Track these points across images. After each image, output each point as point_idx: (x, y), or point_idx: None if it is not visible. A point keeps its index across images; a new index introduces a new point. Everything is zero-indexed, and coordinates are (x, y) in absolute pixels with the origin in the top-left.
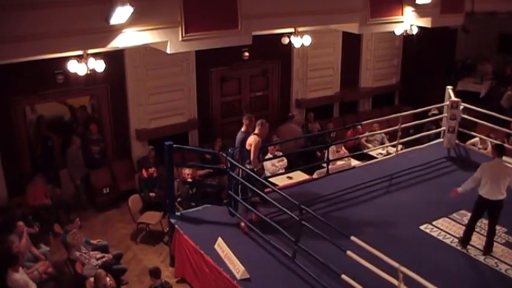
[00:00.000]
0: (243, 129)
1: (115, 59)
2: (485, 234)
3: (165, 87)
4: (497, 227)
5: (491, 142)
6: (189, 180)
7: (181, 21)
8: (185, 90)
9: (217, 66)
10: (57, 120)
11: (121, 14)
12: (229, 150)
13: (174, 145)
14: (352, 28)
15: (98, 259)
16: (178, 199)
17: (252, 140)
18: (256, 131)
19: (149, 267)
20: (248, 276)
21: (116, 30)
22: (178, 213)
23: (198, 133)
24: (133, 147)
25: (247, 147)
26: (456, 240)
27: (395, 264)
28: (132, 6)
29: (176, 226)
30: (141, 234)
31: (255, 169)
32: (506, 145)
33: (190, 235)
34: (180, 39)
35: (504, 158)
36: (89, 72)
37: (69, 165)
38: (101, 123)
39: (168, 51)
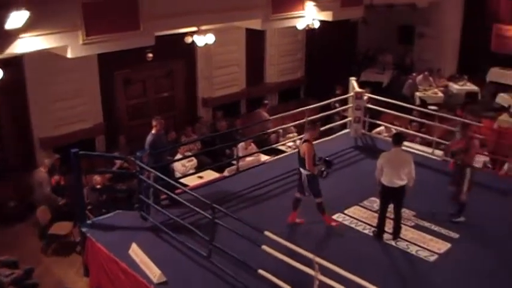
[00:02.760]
0: (153, 131)
1: (13, 65)
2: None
3: (68, 93)
4: (407, 211)
5: (395, 129)
6: (98, 187)
7: (81, 24)
8: (89, 95)
9: (121, 69)
10: None
11: (16, 19)
12: (137, 154)
13: (81, 152)
14: (255, 24)
15: (7, 276)
16: (89, 207)
17: (305, 147)
18: (307, 137)
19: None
20: (165, 279)
21: (11, 36)
22: (89, 222)
23: (105, 138)
24: (38, 156)
25: (302, 155)
26: (368, 227)
27: (310, 256)
28: (28, 10)
29: (88, 235)
30: (52, 246)
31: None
32: (409, 131)
33: (103, 243)
34: (81, 42)
35: (407, 143)
36: None
37: None
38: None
39: (69, 55)
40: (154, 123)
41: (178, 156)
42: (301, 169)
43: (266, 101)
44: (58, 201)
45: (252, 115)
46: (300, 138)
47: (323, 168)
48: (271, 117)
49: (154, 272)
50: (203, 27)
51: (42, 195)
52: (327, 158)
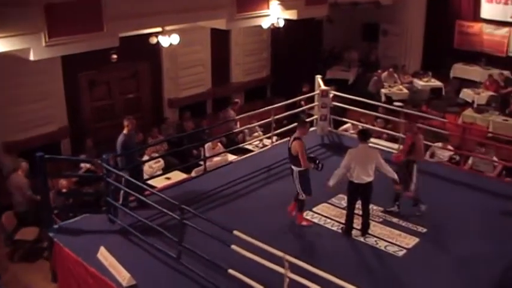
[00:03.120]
0: (124, 131)
1: None
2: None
3: (31, 96)
4: (375, 207)
5: (362, 126)
6: (64, 190)
7: (44, 26)
8: (53, 97)
9: (86, 71)
10: None
11: None
12: (104, 156)
13: (46, 156)
14: (220, 24)
15: None
16: (55, 211)
17: (297, 145)
18: (297, 135)
19: (31, 285)
20: (134, 282)
21: None
22: (56, 226)
23: (71, 141)
24: (3, 161)
25: (294, 153)
26: (337, 224)
27: (280, 254)
28: None
29: (55, 240)
30: (19, 252)
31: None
32: (375, 127)
33: (71, 247)
34: (44, 45)
35: (374, 140)
36: None
37: None
38: None
39: (32, 58)
40: (126, 123)
41: (145, 157)
42: (293, 166)
43: (236, 100)
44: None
45: (221, 114)
46: (268, 137)
47: (317, 161)
48: (237, 117)
49: (123, 275)
50: (168, 28)
51: (23, 199)
52: (311, 155)
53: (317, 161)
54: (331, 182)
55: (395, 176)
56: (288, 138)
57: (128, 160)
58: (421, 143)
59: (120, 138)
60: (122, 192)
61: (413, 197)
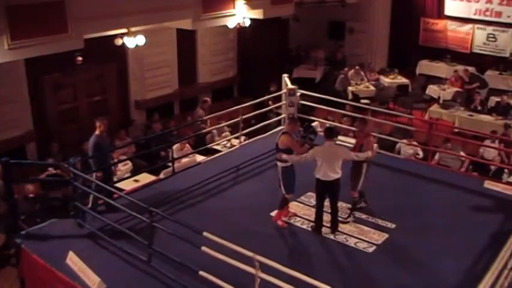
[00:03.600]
0: (96, 132)
1: None
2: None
3: None
4: (343, 205)
5: (329, 125)
6: (31, 195)
7: (6, 28)
8: (17, 101)
9: (50, 73)
10: None
11: None
12: (70, 160)
13: (11, 160)
14: (186, 24)
15: None
16: (22, 217)
17: (285, 140)
18: (286, 129)
19: None
20: (105, 286)
21: None
22: (23, 232)
23: (37, 145)
24: None
25: (282, 147)
26: (307, 222)
27: (250, 254)
28: None
29: (23, 246)
30: None
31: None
32: (342, 125)
33: (39, 253)
34: (6, 47)
35: (340, 137)
36: None
37: None
38: None
39: None
40: (97, 123)
41: (114, 160)
42: (278, 162)
43: (206, 98)
44: None
45: (189, 117)
46: (236, 137)
47: (311, 136)
48: (206, 117)
49: (93, 280)
50: (133, 29)
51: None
52: (309, 129)
53: (311, 137)
54: (284, 156)
55: (369, 154)
56: (277, 135)
57: (100, 161)
58: (370, 145)
59: (92, 139)
60: (91, 195)
61: (355, 198)
